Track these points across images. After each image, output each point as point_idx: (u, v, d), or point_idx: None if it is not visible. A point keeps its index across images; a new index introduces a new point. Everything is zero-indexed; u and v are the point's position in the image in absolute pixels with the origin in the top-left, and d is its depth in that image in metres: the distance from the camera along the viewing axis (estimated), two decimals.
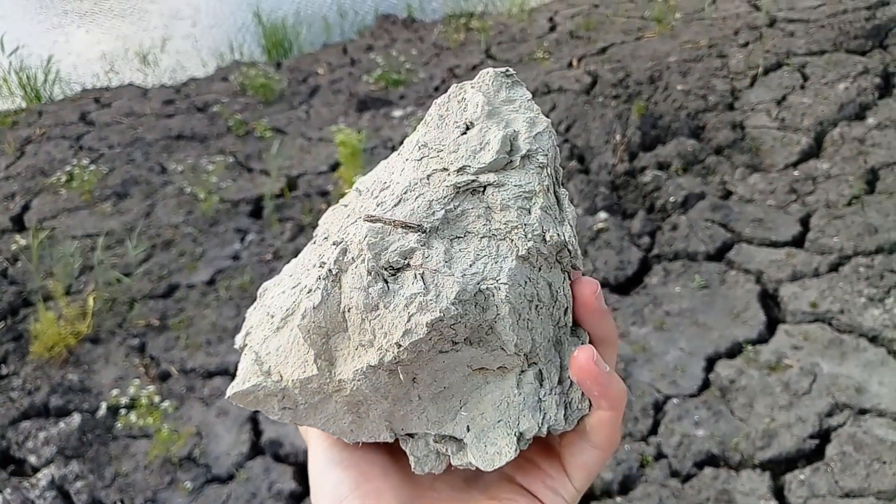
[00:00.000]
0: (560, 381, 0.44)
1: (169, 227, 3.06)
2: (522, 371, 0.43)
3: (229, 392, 0.45)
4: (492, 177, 0.43)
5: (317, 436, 0.47)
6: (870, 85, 3.36)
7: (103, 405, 2.17)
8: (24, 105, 4.56)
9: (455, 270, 0.40)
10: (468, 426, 0.43)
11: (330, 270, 0.41)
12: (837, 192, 2.77)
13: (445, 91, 0.50)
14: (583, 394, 0.43)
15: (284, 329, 0.44)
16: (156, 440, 2.02)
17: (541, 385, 0.43)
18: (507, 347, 0.41)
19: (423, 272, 0.40)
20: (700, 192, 2.88)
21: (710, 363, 2.16)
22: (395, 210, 0.42)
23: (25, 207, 3.30)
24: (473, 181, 0.42)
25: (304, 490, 1.93)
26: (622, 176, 3.07)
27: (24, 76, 4.59)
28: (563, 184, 0.47)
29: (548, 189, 0.44)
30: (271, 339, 0.44)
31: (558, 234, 0.43)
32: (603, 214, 2.82)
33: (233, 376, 2.10)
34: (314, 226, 2.98)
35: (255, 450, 2.06)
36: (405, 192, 0.43)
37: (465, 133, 0.44)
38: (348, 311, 0.40)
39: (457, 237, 0.42)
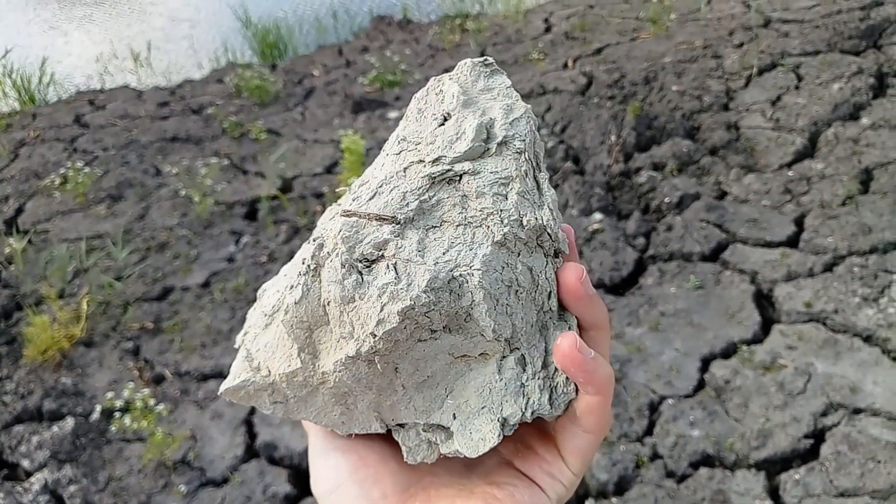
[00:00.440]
0: (545, 366, 0.44)
1: (163, 230, 3.05)
2: (503, 357, 0.43)
3: (221, 388, 0.46)
4: (467, 165, 0.43)
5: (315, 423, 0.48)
6: (864, 85, 3.36)
7: (97, 409, 2.16)
8: (18, 107, 4.55)
9: (427, 259, 0.40)
10: (454, 414, 0.43)
11: (308, 266, 0.42)
12: (832, 192, 2.77)
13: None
14: (567, 378, 0.43)
15: (272, 325, 0.45)
16: (150, 444, 2.01)
17: (523, 370, 0.43)
18: (485, 333, 0.41)
19: (396, 262, 0.40)
20: (695, 192, 2.88)
21: (705, 363, 2.16)
22: (369, 203, 0.42)
23: (19, 210, 3.29)
24: (448, 171, 0.43)
25: (299, 493, 1.92)
26: (617, 177, 3.07)
27: (18, 78, 4.58)
28: (543, 168, 0.47)
29: (525, 174, 0.44)
30: (261, 336, 0.46)
31: (536, 219, 0.43)
32: (598, 215, 2.82)
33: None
34: (310, 228, 2.98)
35: (250, 453, 2.05)
36: (380, 186, 0.43)
37: (442, 124, 0.45)
38: (328, 304, 0.41)
39: (432, 227, 0.42)
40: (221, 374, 2.31)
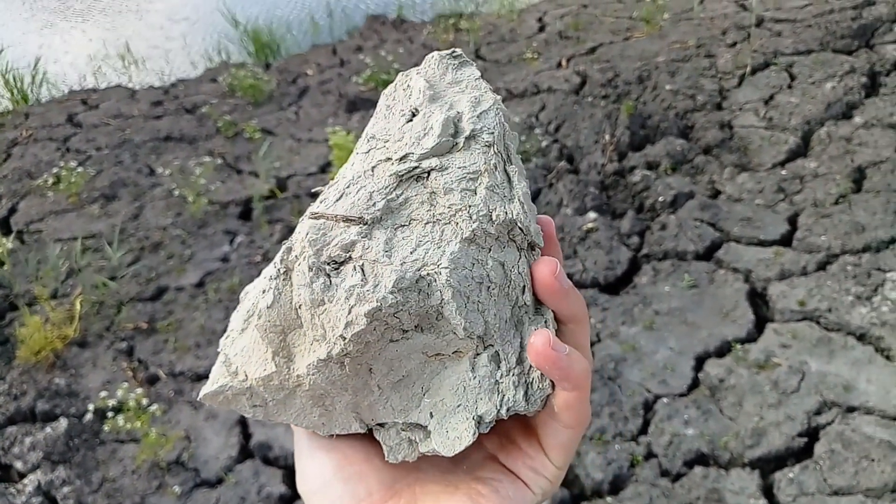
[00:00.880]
0: (520, 362, 0.43)
1: (157, 230, 3.04)
2: (477, 354, 0.43)
3: (200, 394, 0.46)
4: (434, 161, 0.42)
5: None
6: (856, 84, 3.38)
7: (90, 409, 2.15)
8: (10, 107, 4.53)
9: (394, 259, 0.40)
10: (431, 412, 0.43)
11: (279, 269, 0.41)
12: (825, 191, 2.78)
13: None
14: (542, 374, 0.43)
15: (248, 329, 0.45)
16: (144, 444, 2.01)
17: (497, 367, 0.43)
18: (457, 332, 0.41)
19: (363, 263, 0.40)
20: (689, 191, 2.89)
21: (700, 362, 2.17)
22: (336, 205, 0.42)
23: (12, 210, 3.28)
24: (416, 168, 0.42)
25: (293, 493, 1.92)
26: (611, 176, 3.07)
27: (10, 78, 4.55)
28: (515, 160, 0.46)
29: (495, 168, 0.43)
30: (238, 341, 0.45)
31: (506, 213, 0.42)
32: (592, 214, 2.82)
33: None
34: None
35: (245, 453, 2.05)
36: (348, 187, 0.43)
37: (410, 120, 0.44)
38: (300, 307, 0.41)
39: (400, 226, 0.42)
40: None
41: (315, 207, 0.42)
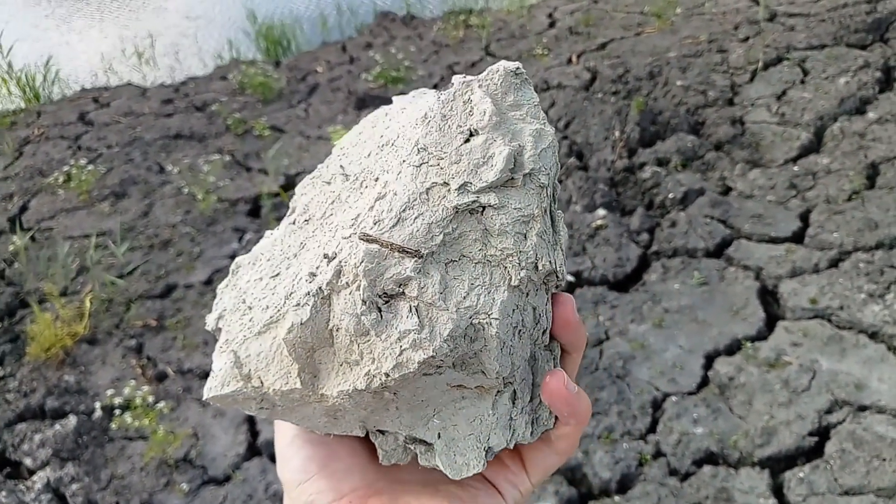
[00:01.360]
0: (532, 398, 0.45)
1: (167, 227, 3.05)
2: (499, 392, 0.43)
3: (207, 394, 0.44)
4: (492, 198, 0.41)
5: None
6: (870, 79, 3.33)
7: (99, 406, 2.16)
8: (22, 105, 4.56)
9: (450, 304, 0.40)
10: (439, 433, 0.43)
11: (321, 289, 0.40)
12: (837, 188, 2.75)
13: (444, 85, 0.49)
14: (550, 411, 0.45)
15: (266, 335, 0.43)
16: (152, 442, 2.01)
17: (514, 405, 0.44)
18: (488, 374, 0.41)
19: (419, 305, 0.39)
20: (699, 188, 2.87)
21: (709, 360, 2.15)
22: (392, 231, 0.40)
23: (23, 208, 3.30)
24: (474, 201, 0.41)
25: None
26: (621, 172, 3.05)
27: (23, 76, 4.59)
28: (557, 200, 0.46)
29: (545, 211, 0.43)
30: (251, 342, 0.43)
31: (550, 262, 0.43)
32: (602, 211, 2.81)
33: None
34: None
35: (252, 451, 2.05)
36: (404, 210, 0.41)
37: (468, 140, 0.43)
38: (336, 330, 0.40)
39: (452, 261, 0.41)
40: None
41: (369, 229, 0.41)
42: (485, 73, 0.45)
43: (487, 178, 0.41)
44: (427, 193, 0.42)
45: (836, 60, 3.54)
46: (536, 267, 0.42)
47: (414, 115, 0.47)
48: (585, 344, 0.47)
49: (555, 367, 0.46)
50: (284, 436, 0.48)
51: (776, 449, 1.85)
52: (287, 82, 4.44)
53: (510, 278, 0.41)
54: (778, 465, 1.84)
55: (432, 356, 0.38)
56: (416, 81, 4.23)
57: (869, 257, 2.39)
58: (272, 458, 2.02)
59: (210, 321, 0.47)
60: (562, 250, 0.44)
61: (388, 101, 0.55)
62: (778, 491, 1.77)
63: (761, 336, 2.19)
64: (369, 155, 0.47)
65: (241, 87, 4.36)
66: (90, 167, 3.42)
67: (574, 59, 4.06)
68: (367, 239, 0.40)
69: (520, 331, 0.43)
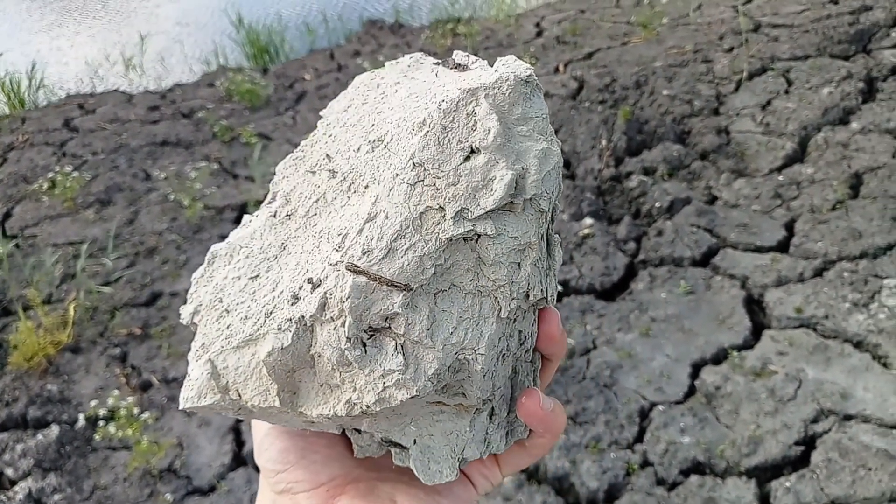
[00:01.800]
0: (509, 412, 0.45)
1: (152, 235, 3.03)
2: (477, 410, 0.43)
3: (183, 404, 0.43)
4: (489, 227, 0.39)
5: None
6: (853, 90, 3.37)
7: (82, 416, 2.13)
8: (7, 111, 4.52)
9: (436, 341, 0.38)
10: (415, 440, 0.43)
11: (303, 317, 0.39)
12: (822, 197, 2.77)
13: (444, 59, 0.47)
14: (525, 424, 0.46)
15: (245, 350, 0.41)
16: (136, 452, 1.99)
17: (491, 421, 0.44)
18: (470, 399, 0.41)
19: (405, 342, 0.38)
20: (685, 197, 2.88)
21: (696, 369, 2.15)
22: (382, 264, 0.38)
23: (7, 215, 3.26)
24: (470, 231, 0.39)
25: None
26: (608, 181, 3.06)
27: (8, 82, 4.55)
28: (554, 221, 0.45)
29: (542, 237, 0.42)
30: (229, 354, 0.42)
31: (542, 291, 0.42)
32: (589, 220, 2.81)
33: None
34: None
35: (237, 461, 2.03)
36: (395, 239, 0.38)
37: (468, 158, 0.40)
38: (318, 356, 0.39)
39: (441, 290, 0.39)
40: None
41: (357, 259, 0.38)
42: (493, 80, 0.41)
43: (486, 204, 0.39)
44: (420, 219, 0.39)
45: (820, 71, 3.58)
46: (527, 296, 0.41)
47: (410, 109, 0.43)
48: (563, 354, 0.48)
49: (535, 379, 0.46)
50: (262, 426, 0.48)
51: (762, 458, 1.86)
52: (274, 90, 4.43)
53: (500, 309, 0.40)
54: (764, 475, 1.84)
55: (416, 395, 0.38)
56: None
57: (853, 266, 2.41)
58: (257, 469, 2.00)
59: (185, 314, 0.45)
60: (554, 275, 0.43)
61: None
62: (764, 500, 1.78)
63: (747, 345, 2.20)
64: (359, 149, 0.44)
65: (228, 94, 4.34)
66: (75, 174, 3.39)
67: (561, 68, 4.08)
68: (354, 270, 0.38)
69: (504, 355, 0.42)
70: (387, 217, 0.39)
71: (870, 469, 1.77)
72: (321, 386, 0.40)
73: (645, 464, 1.89)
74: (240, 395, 0.41)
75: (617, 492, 1.84)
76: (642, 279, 2.53)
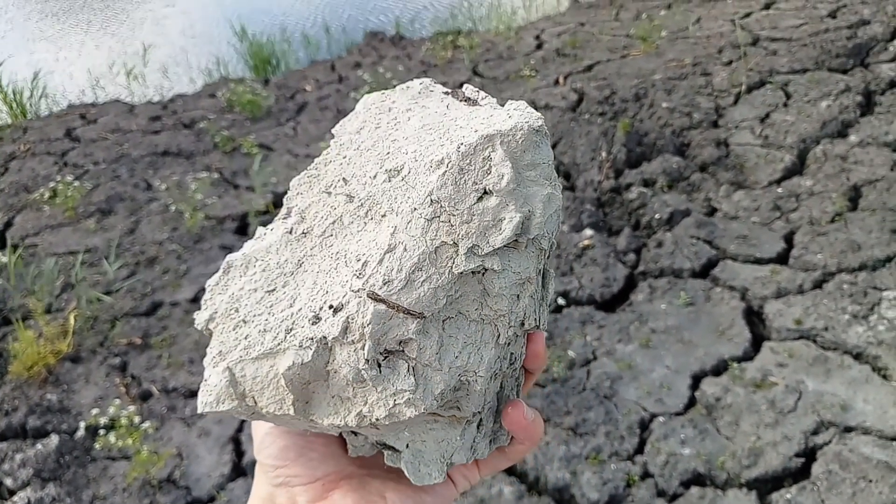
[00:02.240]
0: (494, 421, 0.49)
1: (153, 244, 3.03)
2: (468, 422, 0.47)
3: (201, 408, 0.45)
4: (496, 263, 0.43)
5: None
6: (852, 103, 3.39)
7: (82, 426, 2.13)
8: (9, 121, 4.53)
9: (443, 363, 0.42)
10: (408, 444, 0.46)
11: (324, 337, 0.42)
12: (821, 209, 2.78)
13: (454, 90, 0.50)
14: (508, 432, 0.50)
15: (264, 361, 0.44)
16: (135, 462, 1.99)
17: (479, 431, 0.48)
18: (464, 412, 0.45)
19: (416, 365, 0.42)
20: (685, 208, 2.89)
21: (696, 381, 2.15)
22: (401, 294, 0.42)
23: (8, 224, 3.27)
24: (479, 266, 0.43)
25: None
26: (608, 193, 3.08)
27: (10, 92, 4.56)
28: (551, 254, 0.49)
29: (539, 272, 0.46)
30: (248, 364, 0.44)
31: (535, 320, 0.46)
32: (588, 231, 2.82)
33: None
34: None
35: (237, 471, 2.03)
36: (413, 272, 0.42)
37: (481, 199, 0.43)
38: (334, 372, 0.42)
39: (449, 318, 0.43)
40: None
41: (379, 289, 0.42)
42: (509, 127, 0.45)
43: (494, 242, 0.43)
44: (436, 253, 0.43)
45: (818, 84, 3.60)
46: (523, 324, 0.45)
47: (426, 143, 0.47)
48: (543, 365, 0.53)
49: (518, 391, 0.51)
50: (263, 424, 0.51)
51: (763, 470, 1.86)
52: (276, 100, 4.45)
53: (499, 336, 0.44)
54: (765, 487, 1.84)
55: (423, 412, 0.41)
56: None
57: (852, 279, 2.42)
58: None
59: (200, 320, 0.47)
60: (546, 304, 0.48)
61: None
62: None
63: (747, 356, 2.21)
64: (375, 177, 0.47)
65: (229, 104, 4.36)
66: (76, 183, 3.40)
67: (561, 80, 4.11)
68: (376, 298, 0.42)
69: (497, 375, 0.46)
70: (405, 249, 0.43)
71: (870, 481, 1.77)
72: (333, 398, 0.43)
73: (645, 475, 1.89)
74: (256, 403, 0.44)
75: (617, 503, 1.83)
76: (642, 290, 2.54)
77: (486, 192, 0.44)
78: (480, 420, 0.48)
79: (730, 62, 4.01)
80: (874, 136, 3.15)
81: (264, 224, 3.09)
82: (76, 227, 3.19)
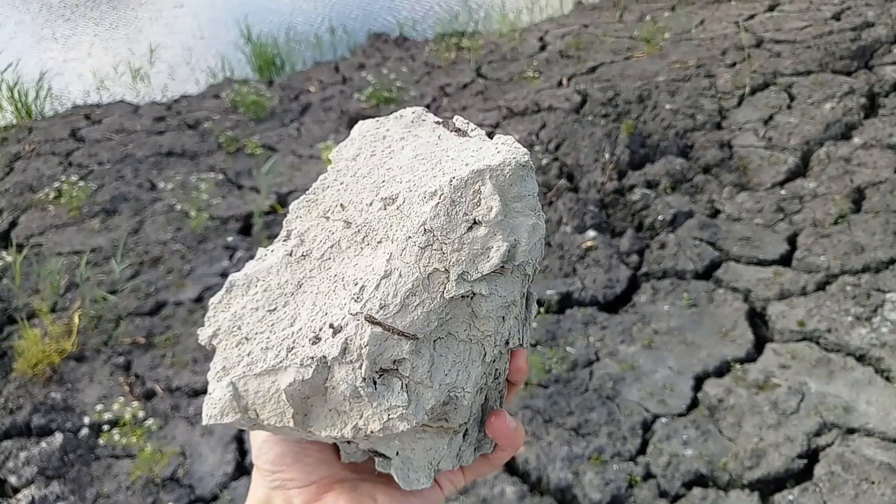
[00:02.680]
0: (479, 430, 0.53)
1: (157, 244, 3.05)
2: (455, 432, 0.50)
3: (206, 420, 0.48)
4: (484, 287, 0.46)
5: None
6: (855, 105, 3.39)
7: (86, 424, 2.14)
8: (14, 121, 4.55)
9: (435, 382, 0.45)
10: (398, 452, 0.49)
11: (324, 357, 0.45)
12: (824, 211, 2.78)
13: (436, 106, 0.52)
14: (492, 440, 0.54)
15: (266, 378, 0.46)
16: (139, 460, 1.99)
17: (465, 440, 0.52)
18: (451, 424, 0.48)
19: (408, 383, 0.45)
20: (688, 210, 2.89)
21: (699, 382, 2.16)
22: (396, 317, 0.45)
23: (13, 223, 3.28)
24: (468, 291, 0.46)
25: None
26: (611, 194, 3.08)
27: (15, 92, 4.58)
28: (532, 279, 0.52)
29: (523, 295, 0.50)
30: (251, 380, 0.47)
31: (519, 339, 0.50)
32: (592, 232, 2.83)
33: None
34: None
35: (240, 470, 2.03)
36: (408, 297, 0.45)
37: (471, 229, 0.46)
38: (332, 388, 0.45)
39: (440, 338, 0.47)
40: None
41: (376, 312, 0.45)
42: (497, 163, 0.48)
43: (483, 269, 0.46)
44: (429, 279, 0.46)
45: (822, 86, 3.60)
46: (507, 343, 0.49)
47: (419, 173, 0.50)
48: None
49: (501, 403, 0.54)
50: (260, 432, 0.53)
51: (765, 471, 1.86)
52: (280, 101, 4.46)
53: (485, 354, 0.48)
54: (767, 488, 1.84)
55: (415, 426, 0.44)
56: (408, 102, 4.26)
57: (856, 280, 2.42)
58: None
59: (203, 336, 0.50)
60: (529, 324, 0.52)
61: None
62: None
63: (750, 358, 2.21)
64: (371, 204, 0.50)
65: (233, 105, 4.38)
66: (81, 183, 3.41)
67: (565, 81, 4.11)
68: (373, 321, 0.45)
69: (482, 389, 0.49)
70: (400, 275, 0.46)
71: (873, 483, 1.77)
72: (330, 411, 0.46)
73: (648, 476, 1.89)
74: (257, 415, 0.47)
75: None
76: (645, 292, 2.54)
77: (475, 223, 0.47)
78: (466, 430, 0.51)
79: (733, 64, 4.01)
80: (878, 139, 3.15)
81: (268, 224, 3.10)
82: (81, 227, 3.20)
